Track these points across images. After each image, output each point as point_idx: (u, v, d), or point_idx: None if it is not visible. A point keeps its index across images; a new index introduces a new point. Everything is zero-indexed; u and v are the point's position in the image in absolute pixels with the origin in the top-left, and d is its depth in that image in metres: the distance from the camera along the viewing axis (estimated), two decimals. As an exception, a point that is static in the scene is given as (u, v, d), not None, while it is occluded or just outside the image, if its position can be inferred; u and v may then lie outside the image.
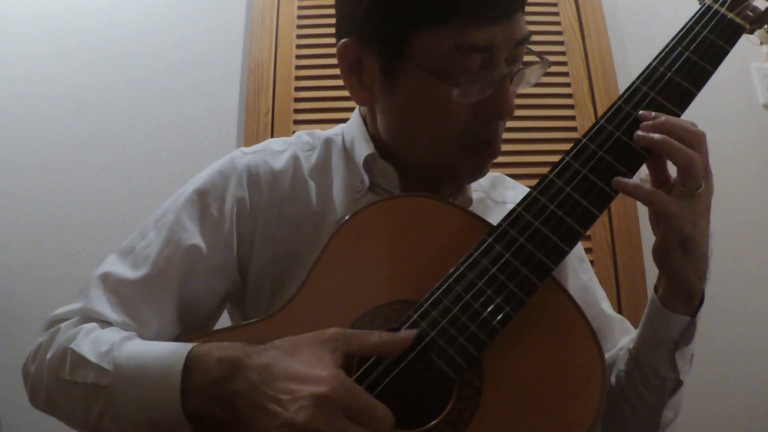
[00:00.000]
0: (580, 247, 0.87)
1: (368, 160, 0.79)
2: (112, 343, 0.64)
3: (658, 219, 0.64)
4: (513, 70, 0.70)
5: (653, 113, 0.63)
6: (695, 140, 0.62)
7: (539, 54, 0.73)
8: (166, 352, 0.62)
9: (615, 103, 0.66)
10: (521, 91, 0.75)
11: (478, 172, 0.77)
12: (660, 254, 0.65)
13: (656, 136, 0.62)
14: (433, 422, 0.57)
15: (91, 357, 0.63)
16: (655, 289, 0.70)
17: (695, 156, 0.61)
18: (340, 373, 0.55)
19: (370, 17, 0.70)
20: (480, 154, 0.74)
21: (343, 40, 0.74)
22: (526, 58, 0.73)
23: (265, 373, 0.56)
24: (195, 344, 0.62)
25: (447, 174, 0.77)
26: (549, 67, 0.74)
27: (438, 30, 0.66)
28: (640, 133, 0.62)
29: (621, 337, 0.81)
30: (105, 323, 0.69)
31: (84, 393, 0.63)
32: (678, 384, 0.71)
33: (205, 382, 0.58)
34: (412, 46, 0.68)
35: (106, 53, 1.82)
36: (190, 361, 0.60)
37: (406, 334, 0.59)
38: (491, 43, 0.66)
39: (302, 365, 0.56)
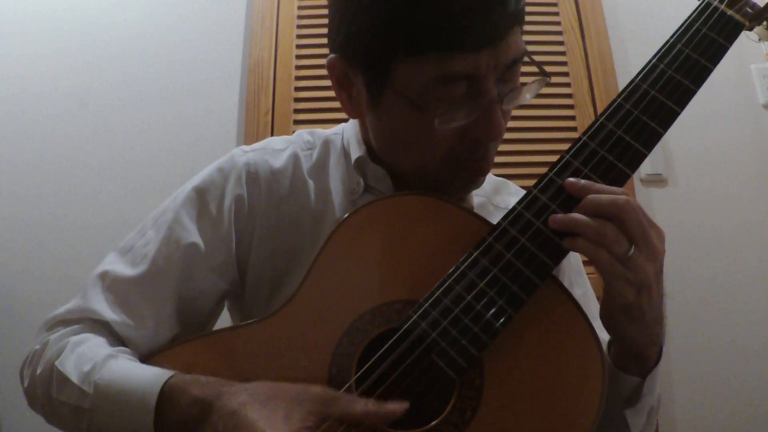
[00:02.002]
0: (579, 260, 0.87)
1: (359, 162, 0.79)
2: (95, 363, 0.64)
3: (602, 278, 0.61)
4: (505, 91, 0.66)
5: (575, 182, 0.61)
6: (612, 211, 0.59)
7: (539, 65, 0.70)
8: (144, 380, 0.61)
9: (615, 100, 0.65)
10: (516, 107, 0.71)
11: (470, 186, 0.75)
12: (604, 320, 0.64)
13: (578, 241, 0.59)
14: (434, 422, 0.57)
15: (74, 377, 0.63)
16: (608, 346, 0.69)
17: (600, 224, 0.59)
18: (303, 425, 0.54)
19: (351, 42, 0.69)
20: (469, 169, 0.72)
21: (330, 57, 0.73)
22: (526, 69, 0.70)
23: (230, 423, 0.55)
24: (173, 374, 0.61)
25: (437, 187, 0.73)
26: (549, 80, 0.70)
27: (418, 59, 0.63)
28: (569, 238, 0.60)
29: None
30: (102, 323, 0.69)
31: (69, 412, 0.63)
32: None
33: (176, 420, 0.58)
34: (392, 75, 0.66)
35: (106, 53, 1.83)
36: (164, 395, 0.59)
37: (395, 407, 0.57)
38: (476, 71, 0.63)
39: (265, 420, 0.54)
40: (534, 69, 0.70)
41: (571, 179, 0.62)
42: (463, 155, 0.69)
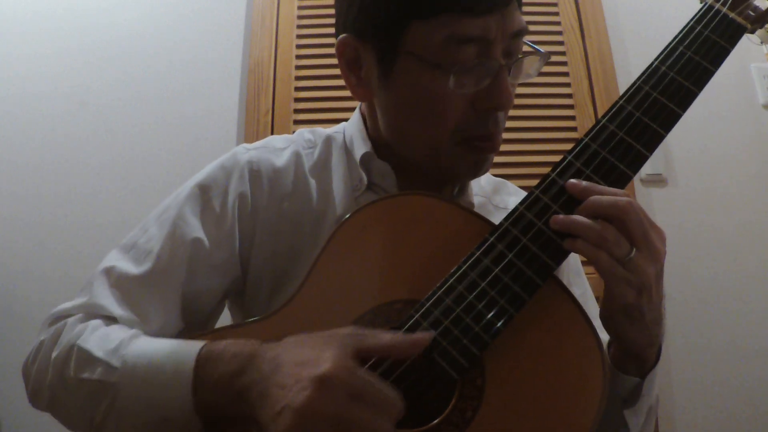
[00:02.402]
0: (578, 261, 0.87)
1: (365, 159, 0.79)
2: (121, 340, 0.63)
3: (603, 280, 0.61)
4: (510, 62, 0.70)
5: (575, 184, 0.62)
6: (613, 212, 0.59)
7: (537, 49, 0.73)
8: (177, 348, 0.62)
9: (617, 102, 0.65)
10: (521, 82, 0.74)
11: (478, 169, 0.75)
12: (604, 321, 0.64)
13: (578, 242, 0.60)
14: (435, 421, 0.57)
15: (99, 353, 0.62)
16: (608, 346, 0.69)
17: (608, 228, 0.59)
18: (344, 355, 0.53)
19: (365, 11, 0.71)
20: (479, 148, 0.73)
21: (341, 37, 0.74)
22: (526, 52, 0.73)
23: (274, 363, 0.55)
24: (206, 341, 0.61)
25: (446, 171, 0.75)
26: (548, 59, 0.74)
27: (431, 21, 0.66)
28: (573, 182, 0.62)
29: None
30: (109, 319, 0.68)
31: (90, 391, 0.62)
32: None
33: (219, 376, 0.58)
34: (406, 38, 0.68)
35: (106, 53, 1.83)
36: (203, 358, 0.59)
37: (422, 335, 0.57)
38: (486, 34, 0.66)
39: (309, 351, 0.55)
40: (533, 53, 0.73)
41: (572, 180, 0.62)
42: (473, 130, 0.71)
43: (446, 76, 0.67)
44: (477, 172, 0.76)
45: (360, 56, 0.74)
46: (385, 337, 0.57)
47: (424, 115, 0.71)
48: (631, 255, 0.59)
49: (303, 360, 0.54)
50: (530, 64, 0.73)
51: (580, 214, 0.60)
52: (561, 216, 0.61)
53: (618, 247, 0.59)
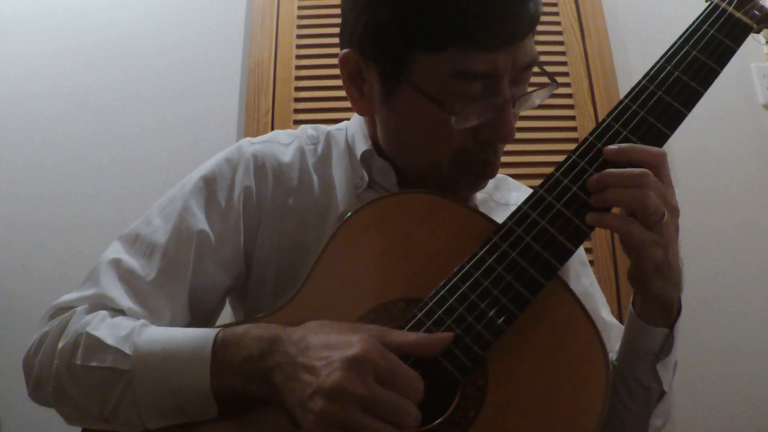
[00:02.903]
0: (582, 251, 0.88)
1: (365, 157, 0.79)
2: (132, 328, 0.63)
3: (631, 248, 0.64)
4: (517, 93, 0.69)
5: (615, 147, 0.63)
6: (655, 159, 0.62)
7: (550, 75, 0.72)
8: (193, 333, 0.62)
9: (622, 101, 0.66)
10: (525, 112, 0.74)
11: (476, 188, 0.77)
12: (636, 281, 0.66)
13: (608, 194, 0.62)
14: (437, 421, 0.57)
15: (109, 341, 0.62)
16: (633, 303, 0.70)
17: (643, 195, 0.61)
18: (372, 338, 0.55)
19: (371, 34, 0.69)
20: (477, 173, 0.74)
21: (344, 51, 0.73)
22: (534, 78, 0.72)
23: (301, 344, 0.56)
24: (220, 329, 0.61)
25: (444, 186, 0.74)
26: (557, 89, 0.73)
27: (438, 55, 0.65)
28: (612, 147, 0.63)
29: (617, 344, 0.81)
30: (117, 311, 0.67)
31: (100, 379, 0.61)
32: (663, 393, 0.71)
33: (243, 358, 0.58)
34: (411, 68, 0.67)
35: (106, 53, 1.82)
36: (219, 341, 0.60)
37: (445, 334, 0.59)
38: (494, 70, 0.65)
39: (337, 334, 0.55)
40: (536, 77, 0.73)
41: (611, 146, 0.63)
42: (472, 156, 0.71)
43: (449, 113, 0.66)
44: (475, 190, 0.78)
45: (362, 71, 0.73)
46: (411, 334, 0.58)
47: (424, 143, 0.72)
48: (665, 219, 0.61)
49: (331, 343, 0.55)
50: (538, 95, 0.72)
51: (603, 187, 0.62)
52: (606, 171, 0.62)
53: (657, 212, 0.60)
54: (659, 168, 0.62)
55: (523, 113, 1.83)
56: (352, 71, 0.73)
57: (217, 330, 0.61)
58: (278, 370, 0.56)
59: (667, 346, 0.69)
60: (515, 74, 0.67)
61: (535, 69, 0.72)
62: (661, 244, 0.62)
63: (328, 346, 0.54)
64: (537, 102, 0.73)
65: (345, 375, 0.51)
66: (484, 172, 0.74)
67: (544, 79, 0.73)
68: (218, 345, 0.59)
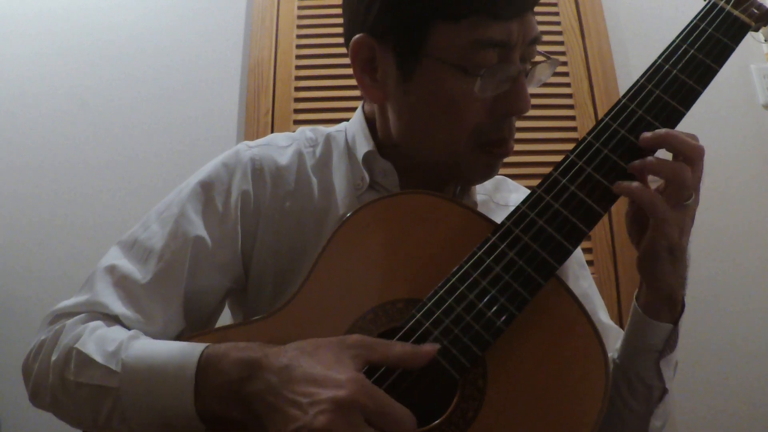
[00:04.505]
0: (580, 253, 0.87)
1: (367, 158, 0.79)
2: (120, 343, 0.63)
3: (643, 226, 0.64)
4: (527, 69, 0.71)
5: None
6: (695, 155, 0.63)
7: (546, 54, 0.74)
8: (178, 351, 0.61)
9: (620, 101, 0.65)
10: (532, 90, 0.74)
11: (490, 172, 0.76)
12: (647, 261, 0.65)
13: (660, 131, 0.63)
14: (436, 422, 0.57)
15: (98, 357, 0.62)
16: (636, 297, 0.71)
17: (684, 169, 0.62)
18: (360, 376, 0.54)
19: (387, 12, 0.70)
20: (492, 153, 0.73)
21: (357, 36, 0.72)
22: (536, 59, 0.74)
23: (284, 375, 0.55)
24: (207, 344, 0.61)
25: (457, 173, 0.76)
26: (557, 66, 0.75)
27: (456, 25, 0.66)
28: (647, 134, 0.63)
29: (615, 346, 0.81)
30: (110, 317, 0.68)
31: (90, 395, 0.62)
32: (664, 392, 0.71)
33: (222, 382, 0.57)
34: (429, 41, 0.68)
35: (106, 53, 1.82)
36: (204, 361, 0.59)
37: (429, 347, 0.58)
38: (508, 39, 0.67)
39: (322, 367, 0.54)
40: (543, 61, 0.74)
41: (646, 133, 0.63)
42: (488, 135, 0.71)
43: (472, 80, 0.67)
44: (488, 176, 0.77)
45: (376, 57, 0.73)
46: (395, 348, 0.58)
47: (443, 119, 0.71)
48: (690, 201, 0.62)
49: (317, 378, 0.54)
50: (542, 71, 0.74)
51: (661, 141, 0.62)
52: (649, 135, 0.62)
53: (686, 192, 0.62)
54: (697, 163, 0.63)
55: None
56: (365, 58, 0.73)
57: (202, 348, 0.60)
58: (260, 397, 0.55)
59: (671, 342, 0.69)
60: (524, 48, 0.69)
61: (538, 59, 0.74)
62: (680, 225, 0.62)
63: (314, 382, 0.53)
64: (543, 78, 0.74)
65: (333, 417, 0.50)
66: (501, 151, 0.74)
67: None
68: (201, 366, 0.59)
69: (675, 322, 0.68)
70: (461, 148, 0.72)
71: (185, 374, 0.58)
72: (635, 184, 0.62)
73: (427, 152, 0.75)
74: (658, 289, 0.67)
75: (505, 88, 0.69)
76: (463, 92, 0.68)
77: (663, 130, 0.63)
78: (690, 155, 0.62)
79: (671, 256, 0.64)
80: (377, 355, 0.57)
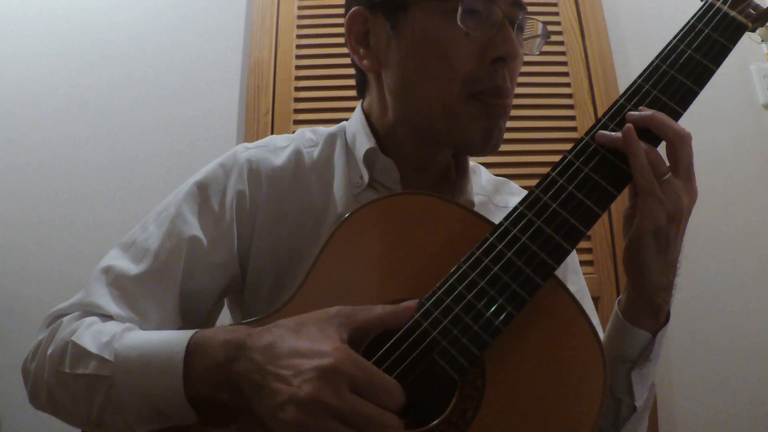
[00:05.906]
0: (575, 258, 0.87)
1: (368, 155, 0.79)
2: (113, 334, 0.64)
3: (635, 207, 0.63)
4: (514, 21, 0.71)
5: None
6: (677, 138, 0.62)
7: (536, 18, 0.76)
8: (168, 339, 0.62)
9: (617, 101, 0.65)
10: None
11: (490, 137, 0.73)
12: (633, 250, 0.64)
13: (647, 112, 0.63)
14: (435, 422, 0.57)
15: (92, 348, 0.63)
16: (618, 301, 0.70)
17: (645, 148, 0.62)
18: (345, 346, 0.54)
19: None
20: (490, 105, 0.72)
21: (353, 9, 0.77)
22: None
23: (269, 352, 0.55)
24: (197, 330, 0.61)
25: (458, 136, 0.73)
26: (549, 38, 0.77)
27: None
28: (633, 113, 0.63)
29: None
30: (105, 317, 0.69)
31: (85, 385, 0.62)
32: (632, 410, 0.69)
33: (209, 366, 0.58)
34: None
35: (106, 53, 1.82)
36: (193, 346, 0.59)
37: (409, 303, 0.59)
38: None
39: (306, 341, 0.54)
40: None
41: (633, 112, 0.64)
42: (483, 82, 0.71)
43: (454, 14, 0.68)
44: (487, 142, 0.74)
45: (369, 29, 0.76)
46: (376, 310, 0.58)
47: (434, 66, 0.72)
48: (667, 176, 0.61)
49: (301, 350, 0.54)
50: (531, 28, 0.75)
51: (637, 125, 0.62)
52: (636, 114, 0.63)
53: (658, 165, 0.61)
54: (681, 147, 0.63)
55: (523, 114, 1.84)
56: (359, 31, 0.77)
57: (192, 333, 0.61)
58: (245, 377, 0.55)
59: (646, 353, 0.67)
60: (507, 7, 0.70)
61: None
62: (667, 208, 0.61)
63: (298, 354, 0.53)
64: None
65: (319, 385, 0.50)
66: (498, 101, 0.72)
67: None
68: (190, 350, 0.59)
69: (655, 333, 0.67)
70: (455, 98, 0.71)
71: (174, 359, 0.59)
72: (619, 134, 0.62)
73: (424, 111, 0.74)
74: (640, 287, 0.66)
75: (491, 34, 0.70)
76: (450, 36, 0.70)
77: (649, 111, 0.63)
78: (671, 138, 0.62)
79: (657, 244, 0.62)
80: (360, 319, 0.57)
